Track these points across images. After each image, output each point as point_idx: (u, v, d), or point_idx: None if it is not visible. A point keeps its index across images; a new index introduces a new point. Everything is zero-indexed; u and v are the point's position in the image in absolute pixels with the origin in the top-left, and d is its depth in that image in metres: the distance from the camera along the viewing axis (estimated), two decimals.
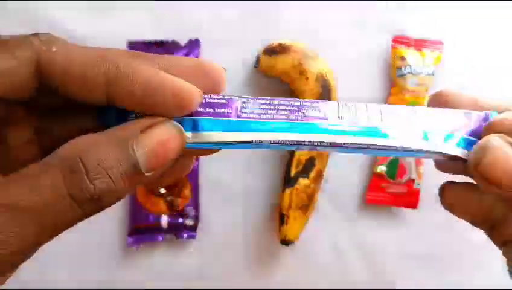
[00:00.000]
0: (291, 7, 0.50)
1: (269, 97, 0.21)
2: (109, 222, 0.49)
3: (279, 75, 0.48)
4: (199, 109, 0.20)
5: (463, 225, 0.27)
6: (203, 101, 0.20)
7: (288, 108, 0.21)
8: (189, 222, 0.49)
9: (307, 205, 0.47)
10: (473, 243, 0.50)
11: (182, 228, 0.49)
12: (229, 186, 0.50)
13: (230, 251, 0.50)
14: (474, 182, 0.20)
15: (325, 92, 0.46)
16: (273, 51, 0.47)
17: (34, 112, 0.19)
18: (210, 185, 0.50)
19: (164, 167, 0.18)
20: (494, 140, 0.18)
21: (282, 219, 0.47)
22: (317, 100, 0.22)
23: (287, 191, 0.47)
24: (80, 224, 0.52)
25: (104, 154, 0.16)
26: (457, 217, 0.24)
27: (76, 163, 0.16)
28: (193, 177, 0.49)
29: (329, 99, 0.46)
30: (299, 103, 0.21)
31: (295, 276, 0.50)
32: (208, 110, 0.20)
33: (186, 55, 0.48)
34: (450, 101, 0.22)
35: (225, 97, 0.21)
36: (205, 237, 0.50)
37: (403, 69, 0.49)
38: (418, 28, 0.50)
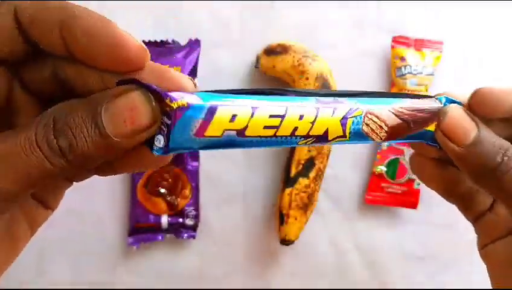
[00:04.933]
0: (292, 7, 0.50)
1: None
2: (109, 221, 0.49)
3: (279, 75, 0.48)
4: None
5: (463, 225, 0.27)
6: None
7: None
8: (189, 222, 0.49)
9: (306, 205, 0.47)
10: (473, 243, 0.50)
11: (182, 228, 0.49)
12: (229, 186, 0.50)
13: (230, 251, 0.50)
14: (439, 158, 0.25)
15: None
16: (273, 51, 0.47)
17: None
18: (210, 185, 0.50)
19: (133, 135, 0.18)
20: (453, 106, 0.23)
21: (282, 219, 0.47)
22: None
23: (287, 191, 0.47)
24: (80, 224, 0.51)
25: (73, 115, 0.17)
26: (448, 202, 0.27)
27: (48, 120, 0.17)
28: (193, 177, 0.49)
29: None
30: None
31: (295, 276, 0.51)
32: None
33: (186, 55, 0.48)
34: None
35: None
36: (205, 236, 0.50)
37: (402, 69, 0.49)
38: (418, 28, 0.50)
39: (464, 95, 0.25)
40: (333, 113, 0.21)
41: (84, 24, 0.18)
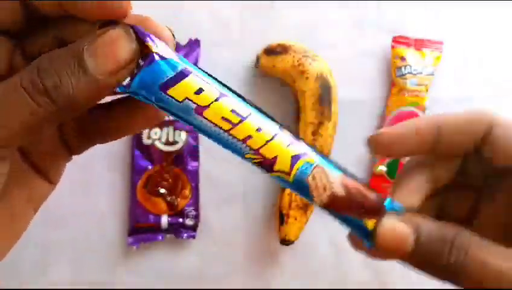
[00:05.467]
0: (292, 7, 0.50)
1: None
2: (109, 221, 0.49)
3: (279, 75, 0.48)
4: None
5: None
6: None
7: None
8: (189, 222, 0.49)
9: (306, 205, 0.47)
10: None
11: (182, 228, 0.49)
12: (229, 186, 0.50)
13: (230, 251, 0.50)
14: None
15: (325, 92, 0.46)
16: (273, 51, 0.47)
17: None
18: (210, 185, 0.50)
19: (115, 71, 0.18)
20: (385, 221, 0.21)
21: (282, 219, 0.47)
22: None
23: (287, 191, 0.47)
24: (80, 224, 0.51)
25: (57, 58, 0.18)
26: None
27: (32, 65, 0.18)
28: (193, 177, 0.49)
29: (329, 99, 0.47)
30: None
31: (295, 276, 0.51)
32: None
33: (186, 55, 0.48)
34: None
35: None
36: (205, 237, 0.50)
37: (402, 69, 0.49)
38: (418, 28, 0.50)
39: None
40: (288, 145, 0.21)
41: None
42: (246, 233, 0.50)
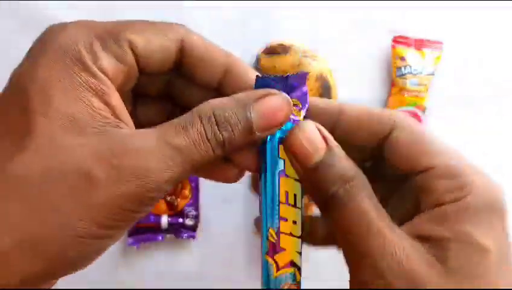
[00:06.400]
0: (291, 7, 0.50)
1: None
2: None
3: None
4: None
5: None
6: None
7: None
8: (189, 222, 0.49)
9: (306, 205, 0.47)
10: None
11: (182, 228, 0.49)
12: (229, 186, 0.50)
13: (230, 251, 0.50)
14: None
15: (325, 92, 0.46)
16: (273, 51, 0.47)
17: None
18: (210, 185, 0.49)
19: (272, 131, 0.22)
20: (306, 122, 0.22)
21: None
22: None
23: None
24: None
25: (229, 112, 0.21)
26: None
27: (211, 116, 0.20)
28: (193, 177, 0.49)
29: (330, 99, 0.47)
30: None
31: None
32: None
33: None
34: None
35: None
36: (205, 237, 0.50)
37: (402, 69, 0.49)
38: (418, 28, 0.50)
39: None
40: (297, 252, 0.23)
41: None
42: (246, 233, 0.50)
